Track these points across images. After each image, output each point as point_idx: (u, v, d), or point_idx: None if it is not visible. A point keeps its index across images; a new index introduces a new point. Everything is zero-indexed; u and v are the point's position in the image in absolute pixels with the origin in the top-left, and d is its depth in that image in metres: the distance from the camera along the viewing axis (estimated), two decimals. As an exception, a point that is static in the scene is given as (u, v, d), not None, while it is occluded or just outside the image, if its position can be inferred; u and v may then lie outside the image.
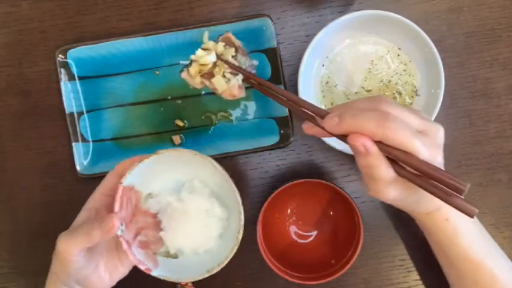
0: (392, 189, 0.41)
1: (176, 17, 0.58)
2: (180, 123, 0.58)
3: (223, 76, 0.48)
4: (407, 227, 0.59)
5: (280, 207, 0.59)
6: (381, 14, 0.52)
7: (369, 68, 0.57)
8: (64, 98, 0.57)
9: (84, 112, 0.58)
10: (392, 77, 0.57)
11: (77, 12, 0.59)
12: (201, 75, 0.49)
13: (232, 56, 0.49)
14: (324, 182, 0.53)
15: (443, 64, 0.52)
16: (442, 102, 0.52)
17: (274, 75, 0.57)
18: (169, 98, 0.58)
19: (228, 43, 0.49)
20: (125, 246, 0.48)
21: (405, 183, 0.41)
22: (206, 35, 0.51)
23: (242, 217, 0.48)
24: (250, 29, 0.56)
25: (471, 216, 0.38)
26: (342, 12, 0.58)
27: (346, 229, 0.55)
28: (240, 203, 0.48)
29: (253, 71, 0.50)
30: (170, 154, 0.48)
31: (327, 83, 0.57)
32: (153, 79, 0.58)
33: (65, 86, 0.57)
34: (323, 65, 0.57)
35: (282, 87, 0.56)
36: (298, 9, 0.59)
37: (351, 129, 0.40)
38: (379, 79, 0.57)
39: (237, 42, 0.50)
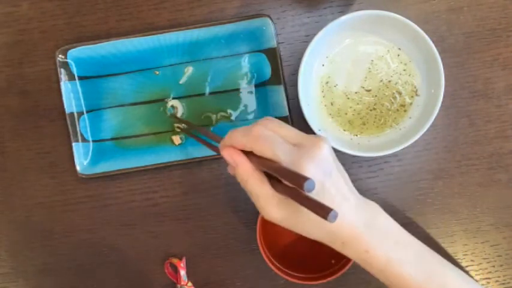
0: (274, 207, 0.40)
1: (176, 17, 0.58)
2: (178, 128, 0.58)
3: None
4: (407, 227, 0.59)
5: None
6: (381, 14, 0.52)
7: (369, 68, 0.57)
8: (64, 98, 0.57)
9: (84, 112, 0.58)
10: (392, 76, 0.57)
11: (77, 12, 0.59)
12: None
13: None
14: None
15: (443, 64, 0.52)
16: (442, 102, 0.52)
17: (274, 75, 0.57)
18: (169, 98, 0.58)
19: None
20: None
21: (291, 205, 0.40)
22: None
23: None
24: (250, 29, 0.56)
25: (325, 218, 0.35)
26: (342, 12, 0.58)
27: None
28: None
29: None
30: None
31: (327, 83, 0.57)
32: (153, 79, 0.58)
33: (65, 86, 0.57)
34: (323, 65, 0.57)
35: (282, 87, 0.56)
36: (298, 9, 0.59)
37: (227, 145, 0.42)
38: (379, 79, 0.57)
39: None
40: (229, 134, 0.43)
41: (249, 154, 0.41)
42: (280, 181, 0.40)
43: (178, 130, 0.58)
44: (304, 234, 0.42)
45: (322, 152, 0.40)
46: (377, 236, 0.42)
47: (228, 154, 0.41)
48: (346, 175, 0.43)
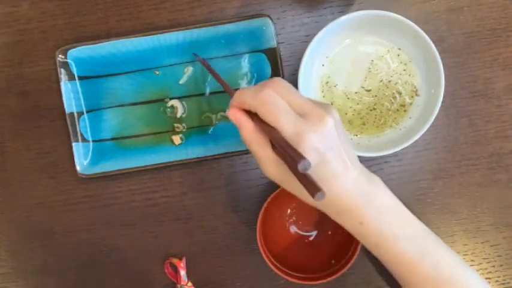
0: (273, 168, 0.40)
1: (176, 17, 0.58)
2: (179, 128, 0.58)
3: None
4: (407, 227, 0.59)
5: (280, 207, 0.59)
6: (381, 14, 0.52)
7: (369, 68, 0.57)
8: (64, 98, 0.57)
9: (84, 112, 0.58)
10: (392, 76, 0.57)
11: (77, 12, 0.59)
12: None
13: None
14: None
15: (443, 64, 0.52)
16: (442, 102, 0.52)
17: (274, 75, 0.57)
18: (169, 97, 0.58)
19: None
20: None
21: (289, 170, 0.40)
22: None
23: None
24: (250, 29, 0.56)
25: (312, 196, 0.35)
26: (342, 12, 0.58)
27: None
28: None
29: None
30: None
31: (327, 83, 0.57)
32: (153, 79, 0.58)
33: (65, 86, 0.57)
34: (323, 65, 0.57)
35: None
36: (298, 9, 0.59)
37: (235, 105, 0.42)
38: (379, 79, 0.57)
39: None
40: (239, 92, 0.42)
41: (254, 115, 0.41)
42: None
43: (178, 130, 0.58)
44: (302, 198, 0.42)
45: (327, 126, 0.39)
46: (373, 210, 0.42)
47: (232, 114, 0.41)
48: (350, 147, 0.43)
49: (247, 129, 0.41)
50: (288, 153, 0.37)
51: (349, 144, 0.43)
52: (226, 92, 0.49)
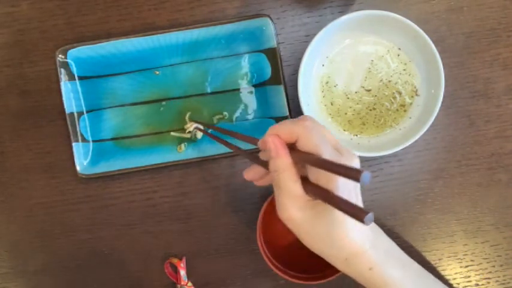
0: (295, 208, 0.39)
1: (176, 17, 0.58)
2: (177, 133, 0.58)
3: None
4: (407, 227, 0.59)
5: (280, 207, 0.58)
6: (381, 14, 0.52)
7: (369, 68, 0.57)
8: (64, 98, 0.57)
9: (84, 112, 0.58)
10: (392, 76, 0.57)
11: (77, 12, 0.59)
12: None
13: None
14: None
15: (443, 64, 0.52)
16: (442, 102, 0.52)
17: (274, 75, 0.57)
18: (169, 97, 0.58)
19: None
20: None
21: (313, 208, 0.39)
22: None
23: None
24: (250, 29, 0.56)
25: (361, 220, 0.33)
26: (342, 12, 0.58)
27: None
28: None
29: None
30: None
31: (327, 83, 0.57)
32: (153, 79, 0.58)
33: (65, 86, 0.57)
34: (323, 65, 0.57)
35: (282, 87, 0.56)
36: (298, 9, 0.59)
37: (273, 133, 0.40)
38: (379, 79, 0.57)
39: None
40: (274, 125, 0.41)
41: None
42: (310, 183, 0.39)
43: (176, 135, 0.58)
44: (310, 245, 0.41)
45: (358, 166, 0.40)
46: (381, 255, 0.42)
47: (272, 140, 0.40)
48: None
49: (286, 158, 0.39)
50: (341, 171, 0.35)
51: None
52: (248, 142, 0.48)
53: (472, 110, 0.59)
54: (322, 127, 0.41)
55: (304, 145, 0.39)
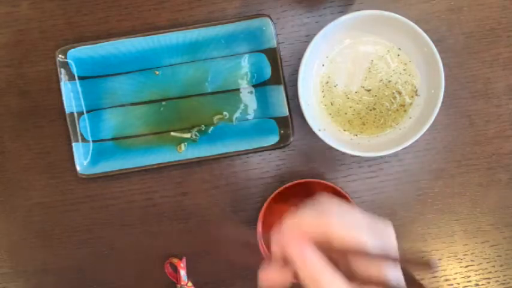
0: None
1: (176, 17, 0.58)
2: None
3: None
4: (407, 227, 0.59)
5: (280, 207, 0.59)
6: (381, 14, 0.52)
7: (369, 68, 0.57)
8: (64, 98, 0.57)
9: (84, 112, 0.58)
10: (392, 76, 0.57)
11: (77, 12, 0.59)
12: None
13: None
14: (324, 182, 0.53)
15: (443, 64, 0.52)
16: (442, 102, 0.52)
17: (274, 75, 0.57)
18: (169, 97, 0.58)
19: None
20: None
21: None
22: None
23: None
24: (250, 29, 0.56)
25: (431, 270, 0.32)
26: (342, 12, 0.58)
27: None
28: None
29: None
30: None
31: (327, 83, 0.57)
32: (153, 79, 0.58)
33: (65, 86, 0.57)
34: (323, 65, 0.57)
35: (282, 87, 0.56)
36: (298, 9, 0.59)
37: (288, 232, 0.33)
38: (379, 79, 0.57)
39: None
40: (290, 219, 0.34)
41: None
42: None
43: (176, 135, 0.58)
44: None
45: (393, 238, 0.36)
46: None
47: (296, 246, 0.32)
48: None
49: (316, 261, 0.32)
50: (409, 265, 0.33)
51: None
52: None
53: (472, 110, 0.59)
54: (344, 208, 0.34)
55: (338, 242, 0.32)
